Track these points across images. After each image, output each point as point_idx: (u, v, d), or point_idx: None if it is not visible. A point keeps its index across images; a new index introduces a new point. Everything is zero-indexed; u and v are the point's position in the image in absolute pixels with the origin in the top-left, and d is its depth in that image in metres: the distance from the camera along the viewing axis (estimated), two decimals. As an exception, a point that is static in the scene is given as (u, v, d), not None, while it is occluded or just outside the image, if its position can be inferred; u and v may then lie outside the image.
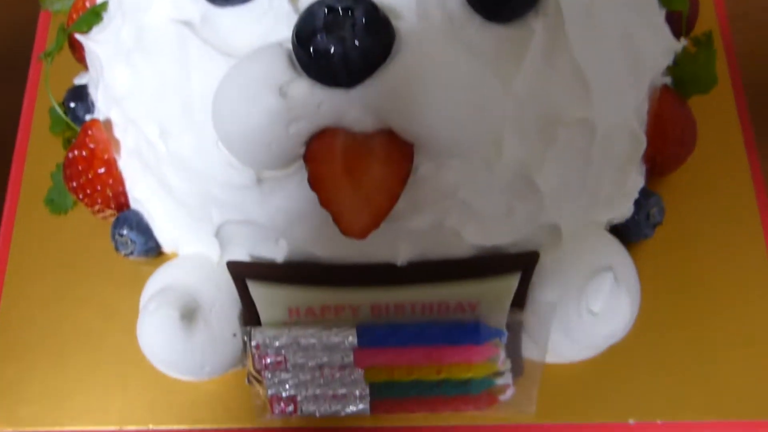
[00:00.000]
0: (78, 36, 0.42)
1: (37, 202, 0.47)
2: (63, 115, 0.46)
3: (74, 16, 0.45)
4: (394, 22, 0.33)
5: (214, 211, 0.38)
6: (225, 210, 0.37)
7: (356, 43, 0.31)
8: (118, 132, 0.42)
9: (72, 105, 0.46)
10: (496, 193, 0.36)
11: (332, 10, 0.32)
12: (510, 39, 0.35)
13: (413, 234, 0.36)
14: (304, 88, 0.32)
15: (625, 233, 0.44)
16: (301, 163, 0.33)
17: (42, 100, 0.51)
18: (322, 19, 0.32)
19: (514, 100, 0.35)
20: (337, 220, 0.33)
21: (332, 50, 0.31)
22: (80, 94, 0.46)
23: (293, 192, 0.35)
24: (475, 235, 0.37)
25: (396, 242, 0.36)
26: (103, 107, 0.43)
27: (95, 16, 0.43)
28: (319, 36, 0.32)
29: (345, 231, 0.33)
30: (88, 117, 0.45)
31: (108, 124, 0.42)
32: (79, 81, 0.47)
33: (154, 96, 0.37)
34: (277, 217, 0.36)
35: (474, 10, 0.35)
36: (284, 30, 0.34)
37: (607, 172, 0.41)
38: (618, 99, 0.39)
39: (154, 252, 0.44)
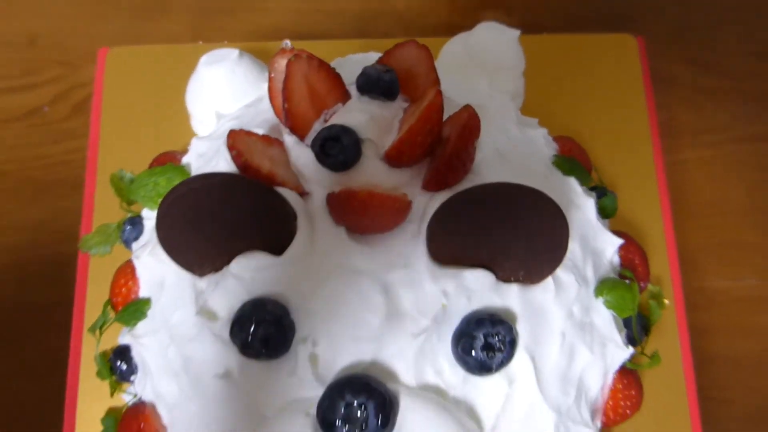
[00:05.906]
0: (124, 336, 0.50)
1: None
2: (108, 373, 0.52)
3: (117, 299, 0.52)
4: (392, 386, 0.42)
5: None
6: None
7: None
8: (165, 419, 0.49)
9: (118, 364, 0.52)
10: None
11: (349, 405, 0.41)
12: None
13: None
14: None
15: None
16: None
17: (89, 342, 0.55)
18: (341, 413, 0.41)
19: None
20: None
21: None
22: (125, 355, 0.52)
23: None
24: None
25: None
26: (148, 395, 0.50)
27: (140, 313, 0.50)
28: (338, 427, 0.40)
29: None
30: (132, 378, 0.52)
31: (154, 408, 0.49)
32: (122, 339, 0.53)
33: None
34: None
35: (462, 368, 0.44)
36: (308, 392, 0.43)
37: None
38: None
39: None
